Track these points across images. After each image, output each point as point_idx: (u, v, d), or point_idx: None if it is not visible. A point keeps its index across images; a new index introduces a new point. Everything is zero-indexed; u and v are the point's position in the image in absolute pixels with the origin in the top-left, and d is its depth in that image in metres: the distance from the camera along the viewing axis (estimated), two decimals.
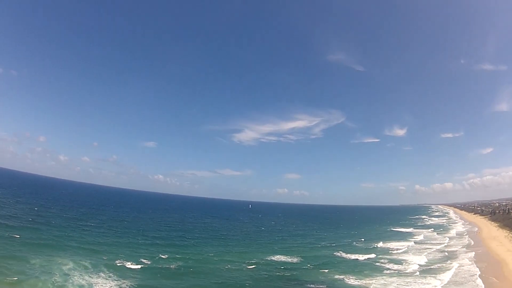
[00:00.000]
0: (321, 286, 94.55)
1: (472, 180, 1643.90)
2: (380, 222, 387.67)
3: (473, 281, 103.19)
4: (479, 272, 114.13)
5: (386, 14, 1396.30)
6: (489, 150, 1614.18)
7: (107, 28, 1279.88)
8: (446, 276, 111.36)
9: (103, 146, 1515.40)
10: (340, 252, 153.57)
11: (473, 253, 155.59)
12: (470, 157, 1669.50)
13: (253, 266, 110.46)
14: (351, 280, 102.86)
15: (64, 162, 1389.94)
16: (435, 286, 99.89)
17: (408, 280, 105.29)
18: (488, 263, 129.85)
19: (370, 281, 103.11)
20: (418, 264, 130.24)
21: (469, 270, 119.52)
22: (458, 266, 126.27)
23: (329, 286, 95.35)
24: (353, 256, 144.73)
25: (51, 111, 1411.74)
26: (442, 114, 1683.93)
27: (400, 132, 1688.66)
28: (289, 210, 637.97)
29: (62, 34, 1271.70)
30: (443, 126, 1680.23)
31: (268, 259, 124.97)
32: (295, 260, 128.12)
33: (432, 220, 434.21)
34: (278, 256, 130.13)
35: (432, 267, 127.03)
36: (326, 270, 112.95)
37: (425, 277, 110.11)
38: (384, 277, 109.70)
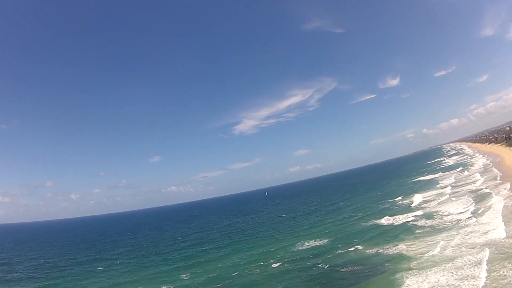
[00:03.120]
0: (359, 268, 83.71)
1: (476, 110, 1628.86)
2: (400, 175, 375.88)
3: None
4: None
5: None
6: (485, 77, 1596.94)
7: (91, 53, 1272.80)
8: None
9: (111, 173, 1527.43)
10: (373, 220, 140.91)
11: (509, 184, 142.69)
12: (468, 88, 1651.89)
13: (280, 264, 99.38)
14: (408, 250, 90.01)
15: (76, 200, 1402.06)
16: None
17: (467, 230, 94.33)
18: None
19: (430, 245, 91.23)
20: (470, 211, 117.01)
21: None
22: None
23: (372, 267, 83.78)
24: (389, 220, 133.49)
25: (51, 153, 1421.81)
26: (431, 54, 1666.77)
27: (394, 82, 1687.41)
28: (306, 187, 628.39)
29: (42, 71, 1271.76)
30: (435, 65, 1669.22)
31: (296, 249, 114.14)
32: (325, 241, 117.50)
33: (451, 160, 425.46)
34: (306, 243, 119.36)
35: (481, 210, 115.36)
36: (360, 247, 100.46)
37: (482, 223, 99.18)
38: (445, 234, 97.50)
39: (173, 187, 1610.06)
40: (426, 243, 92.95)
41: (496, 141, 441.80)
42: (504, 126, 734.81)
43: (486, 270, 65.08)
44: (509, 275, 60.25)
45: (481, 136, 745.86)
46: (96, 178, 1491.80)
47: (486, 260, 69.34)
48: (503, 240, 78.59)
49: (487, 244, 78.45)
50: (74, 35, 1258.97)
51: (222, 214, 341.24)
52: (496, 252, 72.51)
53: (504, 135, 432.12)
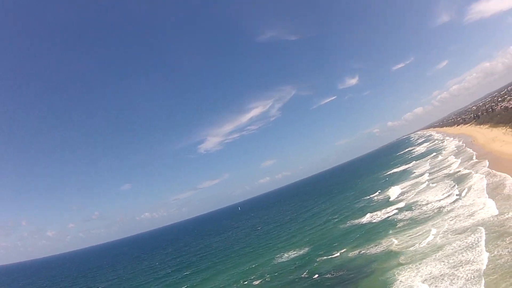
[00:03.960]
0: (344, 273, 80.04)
1: (439, 96, 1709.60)
2: (372, 170, 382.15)
3: None
4: None
5: None
6: (444, 63, 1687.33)
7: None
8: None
9: (83, 206, 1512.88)
10: (352, 221, 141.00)
11: (487, 161, 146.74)
12: (429, 76, 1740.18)
13: (261, 280, 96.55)
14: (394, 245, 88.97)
15: (53, 237, 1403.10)
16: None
17: (453, 215, 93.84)
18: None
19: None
20: (455, 195, 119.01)
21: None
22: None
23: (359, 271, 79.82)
24: (369, 218, 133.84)
25: (23, 191, 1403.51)
26: (387, 48, 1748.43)
27: (353, 81, 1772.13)
28: (278, 197, 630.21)
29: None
30: (392, 59, 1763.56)
31: (277, 262, 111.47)
32: (306, 250, 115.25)
33: (422, 148, 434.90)
34: (287, 254, 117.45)
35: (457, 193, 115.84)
36: (344, 251, 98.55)
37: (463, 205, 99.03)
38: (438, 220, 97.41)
39: (146, 214, 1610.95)
40: (413, 236, 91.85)
41: (465, 122, 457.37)
42: (471, 106, 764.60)
43: (486, 251, 62.98)
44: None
45: (449, 120, 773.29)
46: (69, 212, 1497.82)
47: (485, 241, 67.38)
48: (495, 218, 77.16)
49: (479, 225, 77.14)
50: None
51: (198, 235, 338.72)
52: (492, 231, 70.33)
53: (472, 114, 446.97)
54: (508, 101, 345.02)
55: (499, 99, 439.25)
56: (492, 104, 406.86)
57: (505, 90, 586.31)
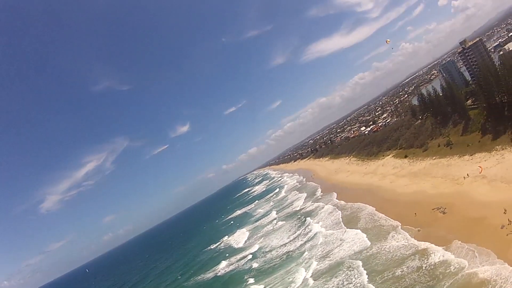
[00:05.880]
0: None
1: (273, 134, 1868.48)
2: (216, 215, 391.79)
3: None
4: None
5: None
6: (278, 102, 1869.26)
7: None
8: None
9: None
10: (206, 272, 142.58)
11: (334, 193, 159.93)
12: (262, 117, 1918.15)
13: None
14: None
15: None
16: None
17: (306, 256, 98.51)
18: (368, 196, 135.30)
19: None
20: (310, 231, 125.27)
21: (371, 214, 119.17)
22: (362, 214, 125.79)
23: None
24: (222, 268, 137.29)
25: None
26: (219, 94, 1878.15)
27: (185, 128, 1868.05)
28: (124, 254, 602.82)
29: None
30: (224, 104, 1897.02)
31: None
32: None
33: (261, 187, 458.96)
34: None
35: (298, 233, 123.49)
36: None
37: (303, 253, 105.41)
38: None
39: (5, 282, 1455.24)
40: (278, 281, 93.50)
41: (302, 156, 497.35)
42: (307, 140, 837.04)
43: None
44: None
45: (285, 156, 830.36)
46: None
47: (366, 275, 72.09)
48: (368, 250, 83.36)
49: (351, 259, 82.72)
50: None
51: None
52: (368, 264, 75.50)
53: (310, 148, 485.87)
54: (348, 131, 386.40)
55: (338, 130, 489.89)
56: (331, 136, 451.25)
57: (344, 121, 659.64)
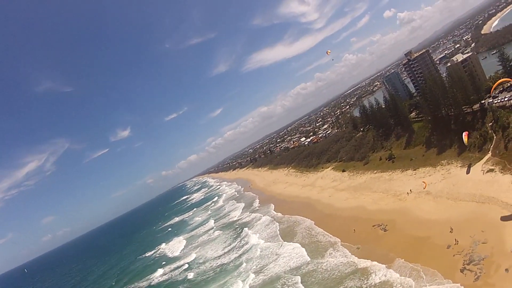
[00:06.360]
0: None
1: (214, 142, 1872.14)
2: (154, 221, 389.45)
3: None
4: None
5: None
6: (219, 110, 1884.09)
7: None
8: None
9: None
10: (143, 280, 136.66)
11: (272, 205, 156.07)
12: (202, 124, 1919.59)
13: None
14: None
15: None
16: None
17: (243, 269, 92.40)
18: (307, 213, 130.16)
19: None
20: (248, 242, 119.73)
21: (310, 228, 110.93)
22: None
23: None
24: (158, 276, 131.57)
25: None
26: (160, 100, 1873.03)
27: (125, 133, 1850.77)
28: (62, 255, 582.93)
29: None
30: (165, 110, 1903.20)
31: None
32: None
33: (200, 194, 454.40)
34: None
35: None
36: None
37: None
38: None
39: None
40: None
41: (241, 166, 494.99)
42: (248, 149, 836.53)
43: None
44: None
45: (224, 165, 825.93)
46: None
47: None
48: (308, 265, 78.01)
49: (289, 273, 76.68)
50: None
51: None
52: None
53: (249, 157, 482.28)
54: (288, 141, 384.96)
55: (278, 140, 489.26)
56: (271, 145, 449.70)
57: (285, 130, 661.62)
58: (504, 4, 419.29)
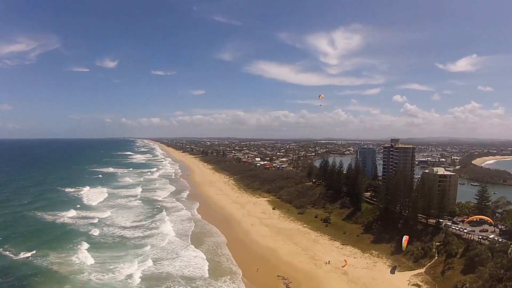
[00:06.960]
0: None
1: (181, 117, 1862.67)
2: (92, 159, 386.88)
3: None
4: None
5: None
6: (200, 92, 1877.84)
7: None
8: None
9: None
10: (53, 212, 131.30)
11: (198, 203, 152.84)
12: (179, 96, 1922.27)
13: None
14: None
15: None
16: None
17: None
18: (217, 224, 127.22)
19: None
20: (123, 226, 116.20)
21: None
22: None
23: None
24: (68, 216, 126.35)
25: None
26: (154, 53, 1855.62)
27: (111, 64, 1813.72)
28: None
29: None
30: (155, 63, 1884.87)
31: None
32: None
33: (142, 157, 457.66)
34: None
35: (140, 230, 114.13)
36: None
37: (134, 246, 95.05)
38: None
39: None
40: (111, 262, 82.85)
41: (192, 152, 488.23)
42: (206, 140, 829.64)
43: None
44: None
45: (178, 142, 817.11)
46: None
47: None
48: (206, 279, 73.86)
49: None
50: None
51: None
52: None
53: (202, 149, 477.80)
54: (244, 154, 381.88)
55: (236, 148, 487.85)
56: (227, 149, 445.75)
57: (248, 142, 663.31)
58: (510, 152, 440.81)
